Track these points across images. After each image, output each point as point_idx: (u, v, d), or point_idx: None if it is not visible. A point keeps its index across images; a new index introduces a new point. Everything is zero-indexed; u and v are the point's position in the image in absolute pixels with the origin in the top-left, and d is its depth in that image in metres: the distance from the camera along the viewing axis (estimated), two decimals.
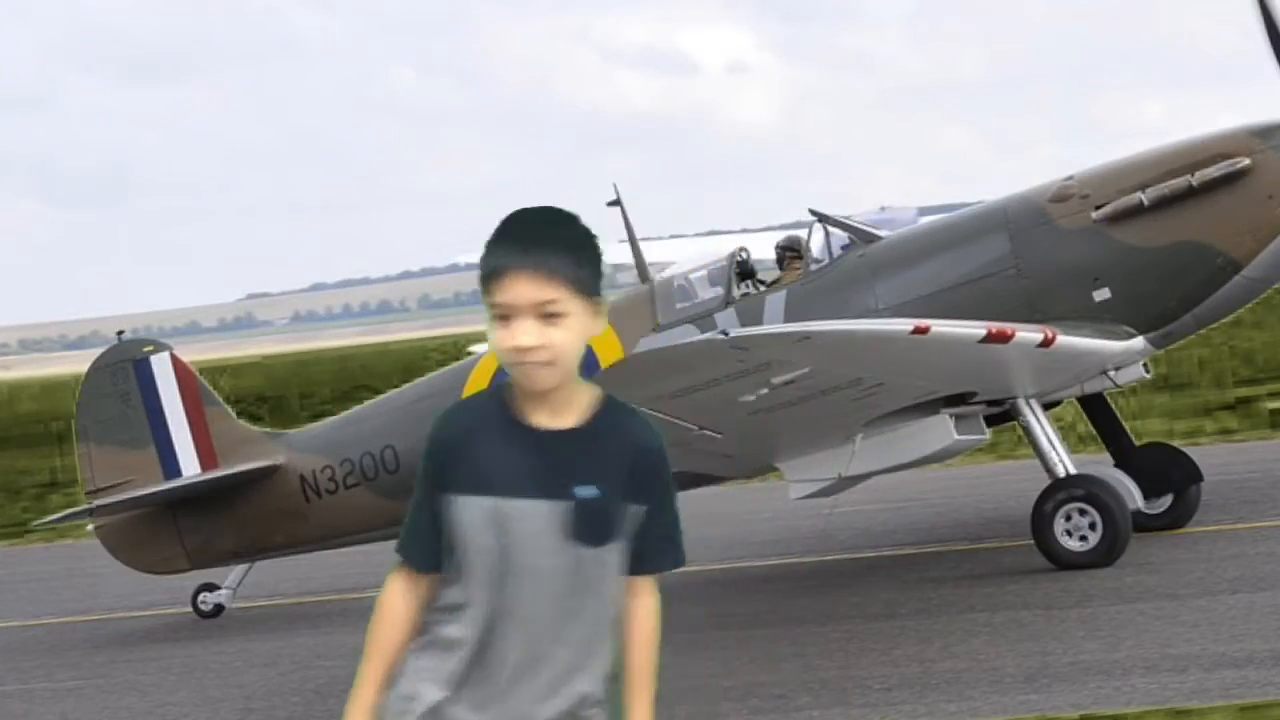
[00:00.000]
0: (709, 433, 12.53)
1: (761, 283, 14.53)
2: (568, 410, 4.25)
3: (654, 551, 4.36)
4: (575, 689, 4.30)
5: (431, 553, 4.29)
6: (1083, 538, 12.96)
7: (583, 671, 4.31)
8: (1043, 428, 13.35)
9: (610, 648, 4.35)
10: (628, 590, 4.36)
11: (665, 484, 4.34)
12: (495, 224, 4.25)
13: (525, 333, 4.16)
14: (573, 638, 4.28)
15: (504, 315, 4.19)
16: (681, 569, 4.43)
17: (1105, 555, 12.89)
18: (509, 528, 4.22)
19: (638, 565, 4.34)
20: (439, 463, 4.26)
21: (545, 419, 4.24)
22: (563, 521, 4.21)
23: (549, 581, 4.23)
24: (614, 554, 4.28)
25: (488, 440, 4.24)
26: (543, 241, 4.21)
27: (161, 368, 15.86)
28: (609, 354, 14.09)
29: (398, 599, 4.33)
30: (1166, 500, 14.24)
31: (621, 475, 4.25)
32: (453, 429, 4.28)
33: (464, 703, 4.29)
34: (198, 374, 16.07)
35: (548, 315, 4.17)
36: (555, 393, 4.23)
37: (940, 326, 11.96)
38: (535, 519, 4.21)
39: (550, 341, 4.17)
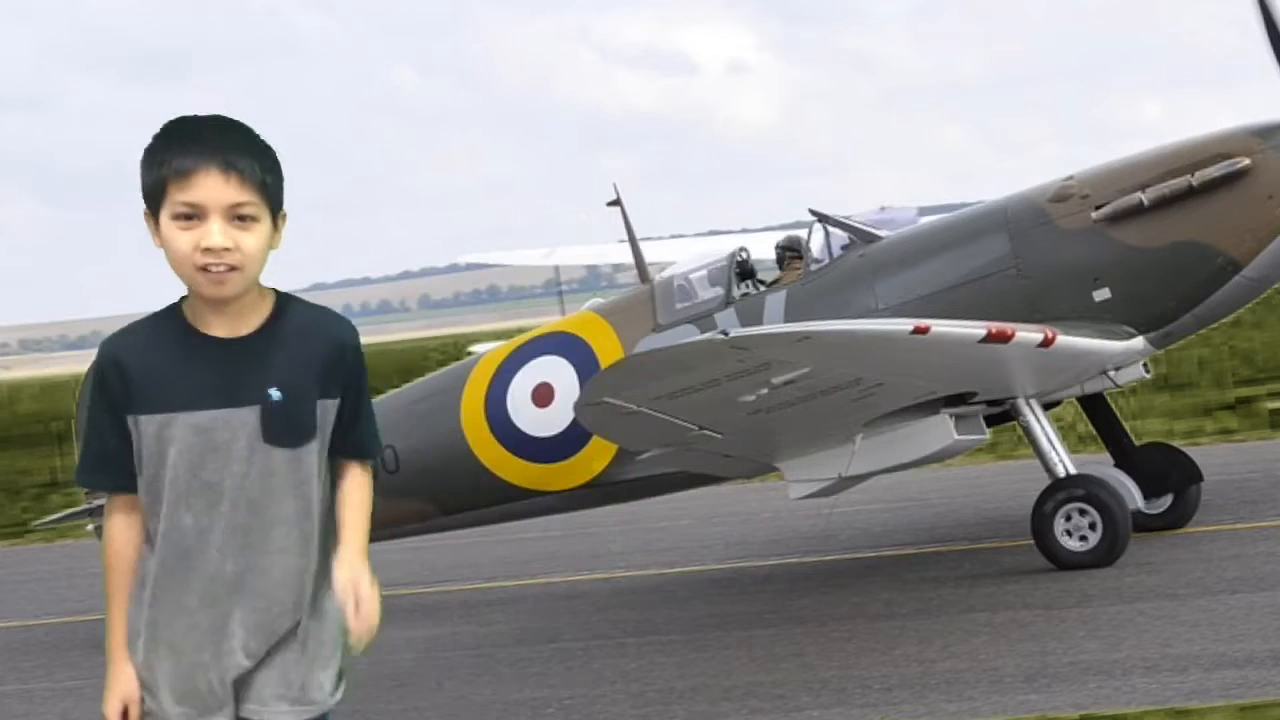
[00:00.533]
0: (709, 433, 12.53)
1: (761, 283, 14.52)
2: (250, 317, 4.15)
3: (356, 438, 4.31)
4: (285, 598, 4.23)
5: (130, 473, 4.20)
6: (1083, 538, 12.96)
7: (295, 578, 4.24)
8: (1043, 428, 13.35)
9: (321, 552, 4.26)
10: (339, 474, 4.31)
11: (358, 374, 4.28)
12: (167, 124, 4.09)
13: (217, 234, 4.05)
14: (279, 544, 4.21)
15: (189, 215, 4.07)
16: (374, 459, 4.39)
17: (1105, 555, 12.89)
18: (198, 441, 4.13)
19: (343, 451, 4.29)
20: (115, 383, 4.14)
21: (225, 329, 4.15)
22: (256, 426, 4.13)
23: (247, 489, 4.16)
24: (312, 454, 4.21)
25: (165, 356, 4.13)
26: (234, 145, 4.10)
27: None
28: (609, 354, 14.09)
29: (121, 529, 4.25)
30: (1166, 500, 14.24)
31: (312, 371, 4.18)
32: (126, 347, 4.17)
33: (165, 627, 4.21)
34: None
35: (240, 218, 4.08)
36: (236, 301, 4.12)
37: (940, 326, 11.96)
38: (226, 429, 4.12)
39: (240, 245, 4.07)
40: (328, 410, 4.23)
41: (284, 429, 4.16)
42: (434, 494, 14.61)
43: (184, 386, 4.12)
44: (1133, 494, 13.53)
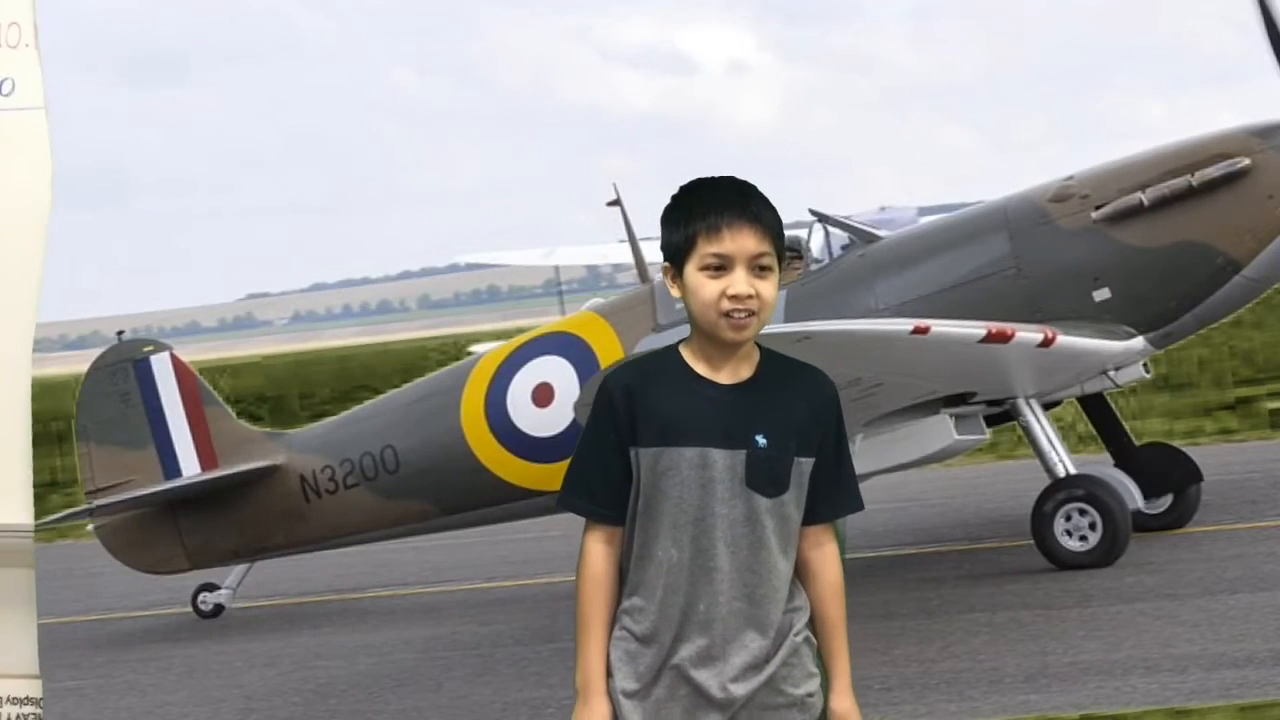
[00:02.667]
0: None
1: None
2: (744, 366, 4.41)
3: (831, 499, 4.48)
4: (762, 638, 4.37)
5: (618, 503, 4.39)
6: (1083, 538, 12.96)
7: (765, 621, 4.38)
8: (1043, 428, 13.35)
9: (785, 601, 4.41)
10: (807, 541, 4.45)
11: (840, 432, 4.48)
12: (689, 185, 4.45)
13: (742, 282, 4.34)
14: (750, 591, 4.35)
15: (719, 266, 4.36)
16: (860, 512, 4.55)
17: (1105, 555, 12.89)
18: (690, 476, 4.34)
19: (814, 514, 4.45)
20: (625, 411, 4.36)
21: (725, 375, 4.39)
22: (741, 470, 4.32)
23: (730, 529, 4.33)
24: (790, 505, 4.39)
25: (671, 392, 4.37)
26: (757, 199, 4.41)
27: (161, 368, 15.85)
28: (609, 354, 14.10)
29: (602, 560, 4.40)
30: (1166, 500, 14.24)
31: (795, 424, 4.38)
32: (635, 378, 4.40)
33: (685, 654, 4.34)
34: (198, 374, 16.06)
35: (760, 268, 4.38)
36: (741, 348, 4.39)
37: (940, 326, 11.96)
38: (713, 468, 4.32)
39: (760, 292, 4.37)
40: (803, 468, 4.41)
41: (765, 476, 4.35)
42: (434, 494, 14.61)
43: (686, 423, 4.34)
44: (1133, 494, 13.54)
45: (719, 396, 4.35)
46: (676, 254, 4.40)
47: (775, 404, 4.36)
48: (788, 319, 13.57)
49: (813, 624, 4.46)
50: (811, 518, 4.43)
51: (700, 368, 4.39)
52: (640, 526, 4.36)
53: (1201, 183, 13.40)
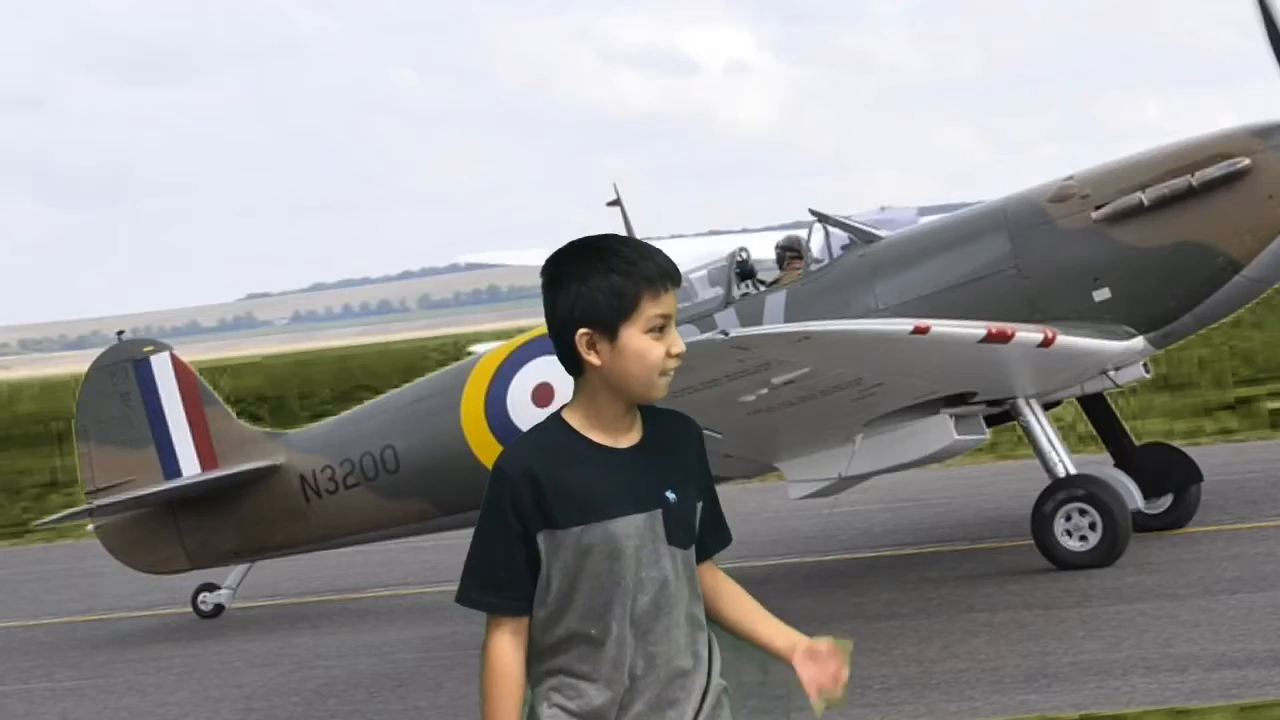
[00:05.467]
0: (709, 433, 12.47)
1: (761, 283, 14.52)
2: (636, 424, 4.35)
3: (715, 536, 4.48)
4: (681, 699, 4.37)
5: (528, 594, 4.30)
6: (1083, 538, 12.96)
7: (701, 670, 4.40)
8: (1043, 428, 13.35)
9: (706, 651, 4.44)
10: (705, 577, 4.46)
11: (709, 472, 4.46)
12: (595, 247, 4.30)
13: (679, 339, 4.32)
14: (692, 643, 4.37)
15: (661, 326, 4.28)
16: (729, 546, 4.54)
17: (1105, 555, 12.89)
18: (620, 547, 4.27)
19: (705, 550, 4.45)
20: (530, 496, 4.25)
21: (623, 439, 4.32)
22: (660, 530, 4.28)
23: (661, 590, 4.29)
24: (693, 554, 4.40)
25: (579, 468, 4.27)
26: (670, 262, 4.35)
27: (161, 368, 15.86)
28: None
29: (510, 653, 4.31)
30: (1166, 500, 14.24)
31: (690, 473, 4.37)
32: (535, 460, 4.28)
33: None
34: (198, 374, 16.07)
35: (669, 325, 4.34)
36: (632, 409, 4.32)
37: (940, 326, 11.96)
38: (637, 535, 4.27)
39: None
40: (698, 512, 4.41)
41: (680, 530, 4.33)
42: (434, 494, 14.62)
43: (603, 496, 4.26)
44: (1133, 494, 13.54)
45: (625, 462, 4.27)
46: (610, 317, 4.23)
47: (670, 457, 4.32)
48: (788, 319, 13.57)
49: (725, 625, 4.50)
50: (701, 556, 4.42)
51: (597, 436, 4.28)
52: (560, 609, 4.27)
53: (1201, 183, 13.40)
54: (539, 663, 4.33)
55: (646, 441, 4.32)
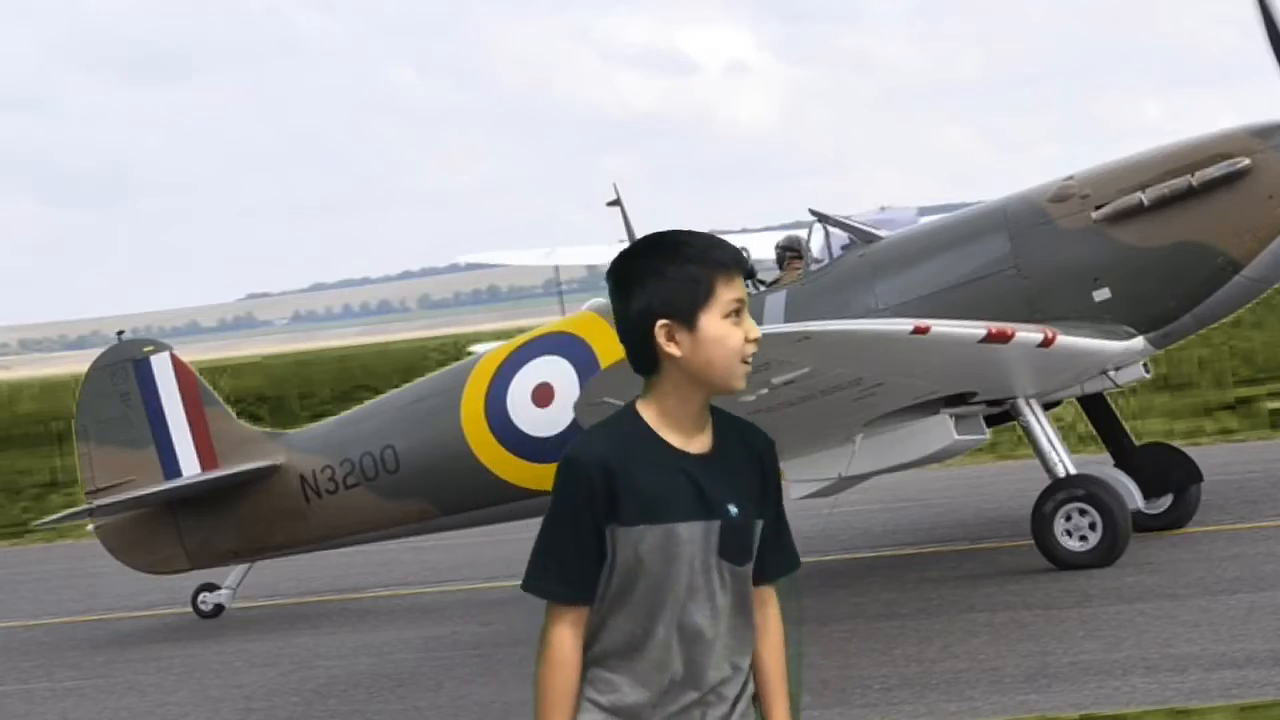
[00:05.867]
0: None
1: (761, 283, 14.53)
2: (707, 430, 4.31)
3: (775, 560, 4.41)
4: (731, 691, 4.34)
5: (591, 584, 4.26)
6: (1083, 538, 12.96)
7: (736, 685, 4.35)
8: (1043, 428, 13.35)
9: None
10: (756, 601, 4.39)
11: (780, 492, 4.41)
12: (668, 239, 4.30)
13: (755, 326, 4.33)
14: (728, 658, 4.32)
15: (737, 310, 4.28)
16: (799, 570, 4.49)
17: (1105, 555, 12.89)
18: (677, 552, 4.24)
19: (761, 575, 4.39)
20: (603, 489, 4.23)
21: (695, 445, 4.28)
22: (715, 541, 4.24)
23: (709, 600, 4.27)
24: (750, 569, 4.35)
25: (652, 467, 4.24)
26: (738, 250, 4.35)
27: (161, 368, 15.86)
28: (609, 354, 14.09)
29: (570, 642, 4.28)
30: (1166, 500, 14.24)
31: (753, 490, 4.31)
32: (611, 454, 4.26)
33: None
34: (198, 374, 16.07)
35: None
36: (706, 410, 4.29)
37: (940, 326, 11.96)
38: (692, 543, 4.23)
39: None
40: (758, 530, 4.36)
41: (736, 545, 4.29)
42: (434, 494, 14.62)
43: (667, 499, 4.24)
44: (1133, 494, 13.54)
45: (692, 468, 4.25)
46: (689, 305, 4.23)
47: (738, 470, 4.28)
48: (788, 319, 13.58)
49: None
50: (759, 578, 4.38)
51: (671, 435, 4.26)
52: (613, 604, 4.26)
53: (1201, 183, 13.40)
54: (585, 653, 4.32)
55: (717, 449, 4.29)
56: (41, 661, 14.63)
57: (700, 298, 4.23)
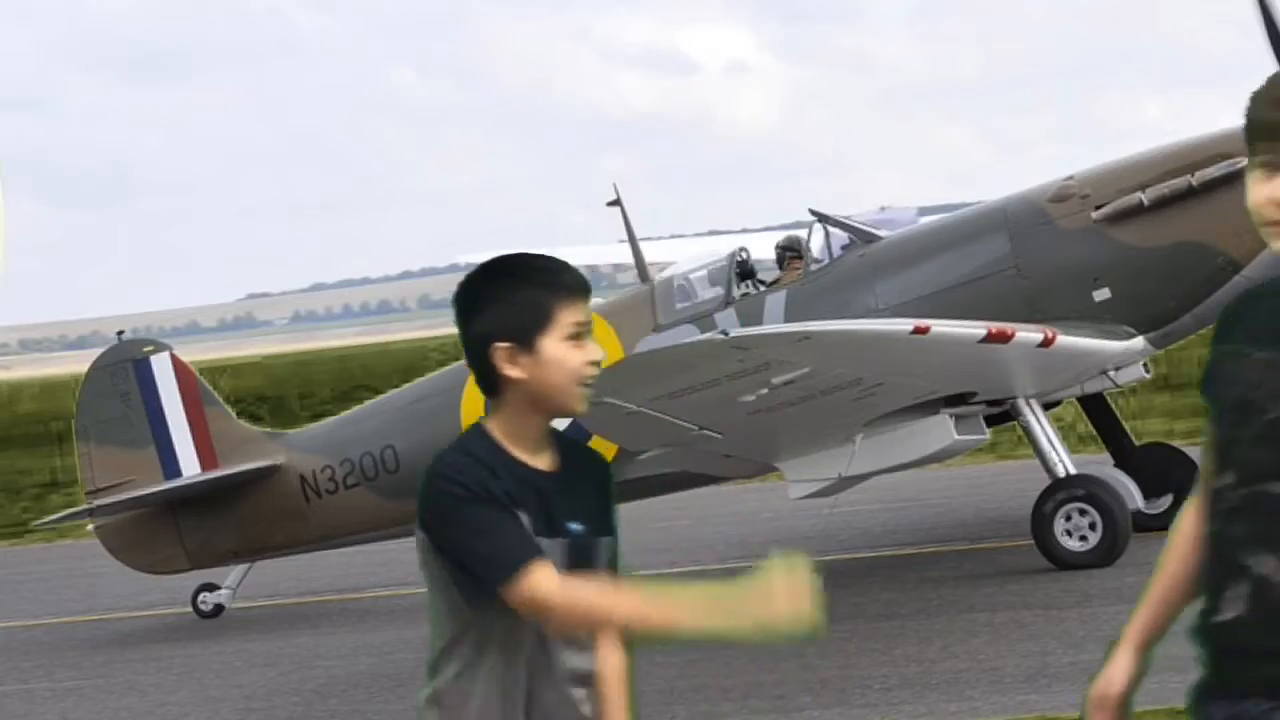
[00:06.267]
0: (709, 433, 12.53)
1: (761, 283, 14.53)
2: (549, 449, 4.34)
3: (618, 575, 4.45)
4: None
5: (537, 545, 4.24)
6: (1083, 538, 12.96)
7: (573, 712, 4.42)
8: (1043, 428, 13.35)
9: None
10: None
11: (615, 512, 4.45)
12: (507, 262, 4.36)
13: (598, 348, 4.37)
14: (583, 676, 4.39)
15: (578, 334, 4.31)
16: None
17: (1105, 555, 12.89)
18: None
19: None
20: (484, 493, 4.22)
21: (542, 461, 4.31)
22: (562, 560, 4.24)
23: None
24: None
25: (508, 480, 4.25)
26: (581, 275, 4.41)
27: (161, 368, 15.86)
28: (609, 354, 14.09)
29: (558, 578, 4.23)
30: (1166, 500, 14.24)
31: (595, 508, 4.35)
32: (476, 469, 4.26)
33: None
34: (198, 374, 16.07)
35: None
36: (547, 429, 4.31)
37: (940, 326, 11.97)
38: (552, 556, 4.23)
39: None
40: (603, 549, 4.39)
41: (579, 562, 4.30)
42: None
43: (530, 514, 4.25)
44: (1133, 494, 13.54)
45: (543, 484, 4.28)
46: (529, 329, 4.27)
47: (582, 489, 4.31)
48: (788, 319, 13.57)
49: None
50: None
51: (520, 454, 4.28)
52: (473, 617, 4.26)
53: (1201, 183, 13.39)
54: (441, 665, 4.31)
55: (562, 468, 4.33)
56: (41, 661, 14.63)
57: (540, 322, 4.28)
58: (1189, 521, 4.07)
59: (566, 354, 4.28)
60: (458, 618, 4.27)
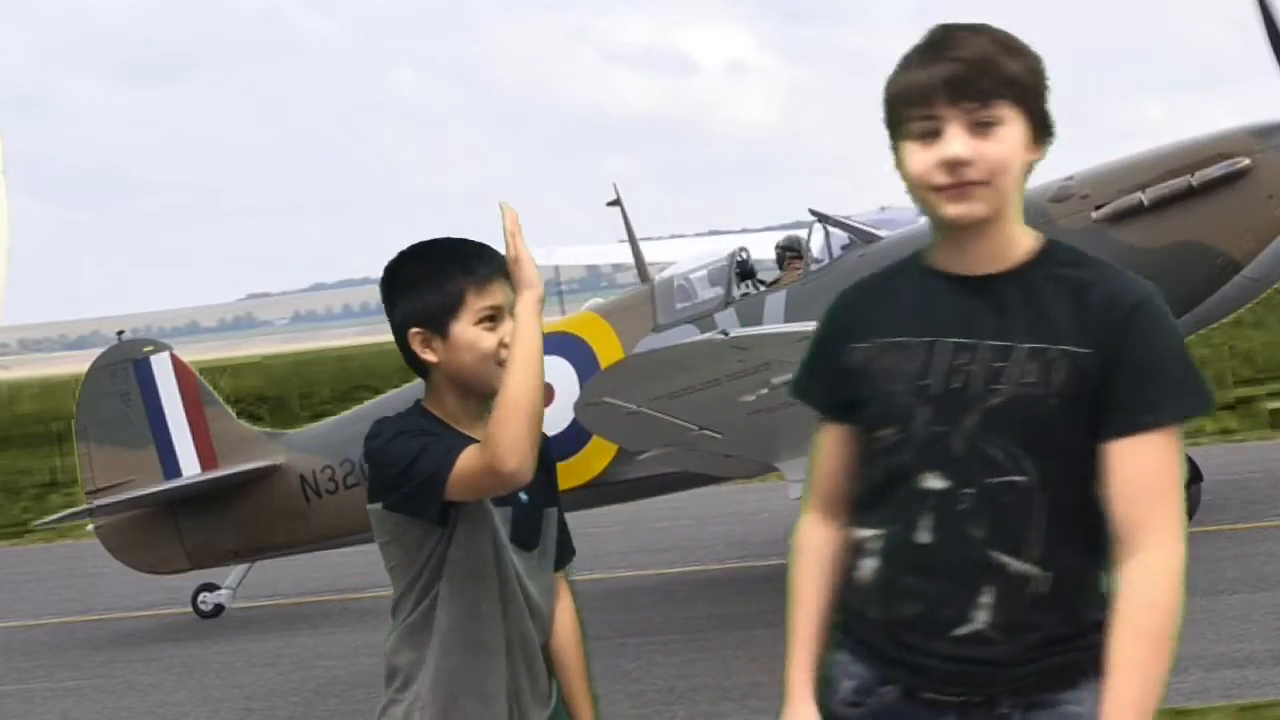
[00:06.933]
0: (709, 433, 12.52)
1: (761, 283, 14.52)
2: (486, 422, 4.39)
3: (566, 546, 4.61)
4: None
5: None
6: None
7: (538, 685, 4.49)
8: None
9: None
10: (554, 589, 4.56)
11: (557, 485, 4.55)
12: (417, 249, 4.44)
13: (511, 329, 4.30)
14: (529, 654, 4.45)
15: (491, 317, 4.37)
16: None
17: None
18: (499, 531, 4.41)
19: (560, 561, 4.58)
20: (435, 432, 4.37)
21: (476, 432, 4.35)
22: (508, 526, 4.37)
23: (504, 586, 4.37)
24: (547, 559, 4.52)
25: (452, 438, 4.35)
26: (495, 257, 4.44)
27: (161, 368, 15.87)
28: (609, 354, 14.10)
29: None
30: None
31: (540, 482, 4.39)
32: (421, 424, 4.41)
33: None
34: (198, 374, 16.07)
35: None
36: (483, 406, 4.35)
37: None
38: (495, 523, 4.36)
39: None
40: (551, 520, 4.52)
41: (525, 532, 4.42)
42: None
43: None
44: None
45: None
46: (439, 314, 4.35)
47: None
48: (788, 319, 13.57)
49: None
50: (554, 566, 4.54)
51: (461, 429, 4.35)
52: (430, 555, 4.34)
53: (1201, 183, 13.40)
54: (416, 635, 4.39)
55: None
56: (41, 661, 14.62)
57: (450, 307, 4.36)
58: (823, 545, 3.77)
59: (478, 337, 4.35)
60: (414, 561, 4.34)
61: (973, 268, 3.57)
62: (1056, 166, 14.08)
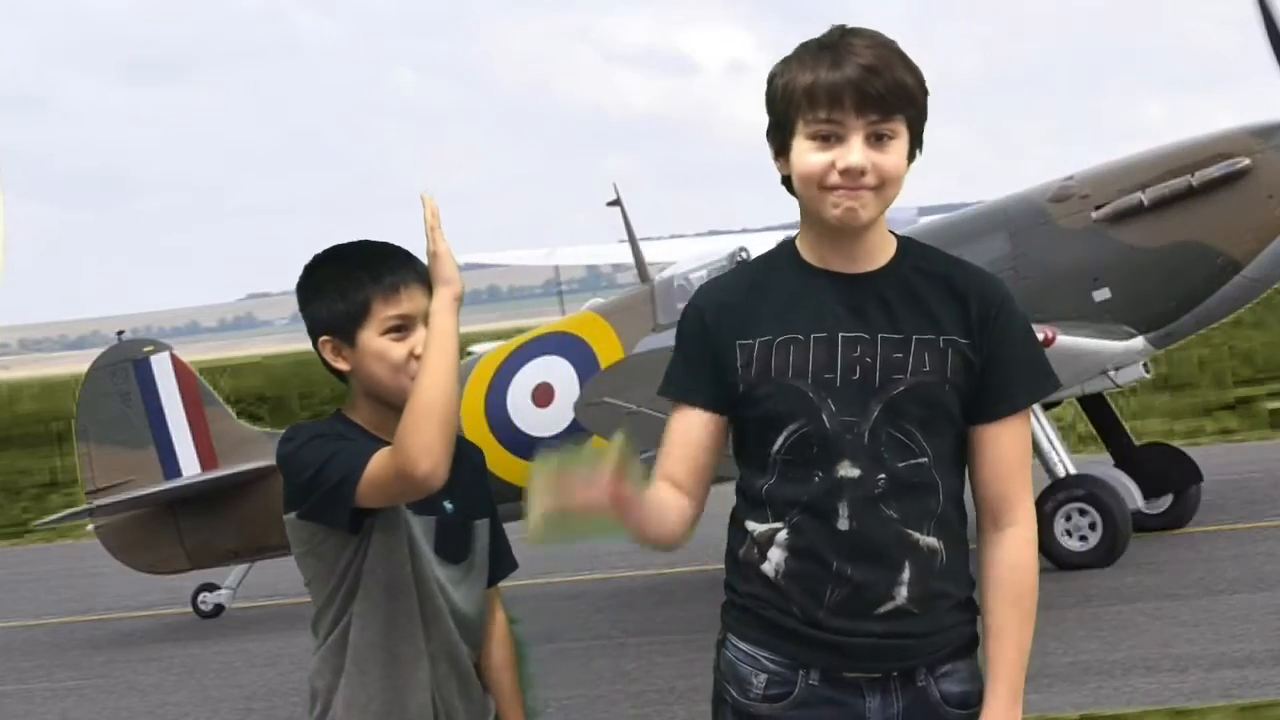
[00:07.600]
0: None
1: None
2: None
3: (501, 561, 4.49)
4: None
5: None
6: (1083, 538, 12.96)
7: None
8: (1043, 428, 13.35)
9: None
10: (490, 610, 4.46)
11: (492, 498, 4.46)
12: (344, 256, 4.31)
13: (424, 339, 4.19)
14: (460, 668, 4.36)
15: (399, 327, 4.23)
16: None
17: (1105, 555, 12.89)
18: (417, 540, 4.30)
19: (494, 578, 4.46)
20: (349, 436, 4.35)
21: None
22: (432, 537, 4.27)
23: (429, 601, 4.28)
24: (475, 572, 4.39)
25: (369, 444, 4.28)
26: (406, 264, 4.33)
27: (161, 368, 15.86)
28: (609, 354, 14.10)
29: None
30: (1166, 500, 14.24)
31: (471, 489, 4.33)
32: (334, 429, 4.42)
33: None
34: (198, 374, 16.07)
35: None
36: None
37: None
38: (418, 534, 4.25)
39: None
40: (481, 533, 4.41)
41: (450, 544, 4.32)
42: None
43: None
44: (1133, 494, 13.53)
45: None
46: (346, 323, 4.23)
47: (456, 470, 4.18)
48: None
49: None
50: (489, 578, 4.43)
51: (384, 436, 4.21)
52: (347, 566, 4.25)
53: (1201, 183, 13.40)
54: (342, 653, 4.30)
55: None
56: (41, 661, 14.62)
57: (355, 315, 4.24)
58: (674, 495, 4.02)
59: (386, 348, 4.22)
60: (331, 574, 4.28)
61: (851, 266, 3.72)
62: (1057, 167, 14.10)
